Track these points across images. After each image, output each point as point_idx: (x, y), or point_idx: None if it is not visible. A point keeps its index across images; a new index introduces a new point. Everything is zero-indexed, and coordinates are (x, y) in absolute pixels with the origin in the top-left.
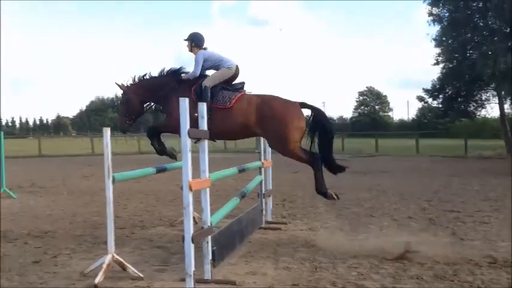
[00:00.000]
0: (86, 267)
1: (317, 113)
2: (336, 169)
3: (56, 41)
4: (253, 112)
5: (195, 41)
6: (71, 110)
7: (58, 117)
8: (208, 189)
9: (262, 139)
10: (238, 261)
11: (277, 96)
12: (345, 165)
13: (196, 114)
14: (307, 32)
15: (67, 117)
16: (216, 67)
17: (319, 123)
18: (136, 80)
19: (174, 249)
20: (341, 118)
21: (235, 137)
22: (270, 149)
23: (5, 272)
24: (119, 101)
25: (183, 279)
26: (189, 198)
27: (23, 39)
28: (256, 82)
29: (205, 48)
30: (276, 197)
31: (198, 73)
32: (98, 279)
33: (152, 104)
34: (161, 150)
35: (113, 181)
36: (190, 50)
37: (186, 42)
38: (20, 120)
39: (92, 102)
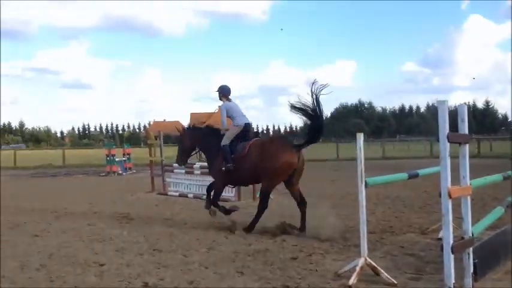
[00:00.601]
0: (339, 268)
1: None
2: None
3: None
4: (259, 154)
5: (223, 92)
6: None
7: (306, 124)
8: (469, 197)
9: None
10: (503, 277)
11: (274, 139)
12: None
13: (223, 168)
14: None
15: None
16: (232, 119)
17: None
18: (191, 127)
19: (427, 258)
20: None
21: (256, 179)
22: None
23: (267, 265)
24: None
25: None
26: (448, 205)
27: None
28: None
29: (229, 99)
30: None
31: (223, 122)
32: (352, 280)
33: (199, 150)
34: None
35: (366, 185)
36: (220, 99)
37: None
38: (273, 128)
39: (336, 108)
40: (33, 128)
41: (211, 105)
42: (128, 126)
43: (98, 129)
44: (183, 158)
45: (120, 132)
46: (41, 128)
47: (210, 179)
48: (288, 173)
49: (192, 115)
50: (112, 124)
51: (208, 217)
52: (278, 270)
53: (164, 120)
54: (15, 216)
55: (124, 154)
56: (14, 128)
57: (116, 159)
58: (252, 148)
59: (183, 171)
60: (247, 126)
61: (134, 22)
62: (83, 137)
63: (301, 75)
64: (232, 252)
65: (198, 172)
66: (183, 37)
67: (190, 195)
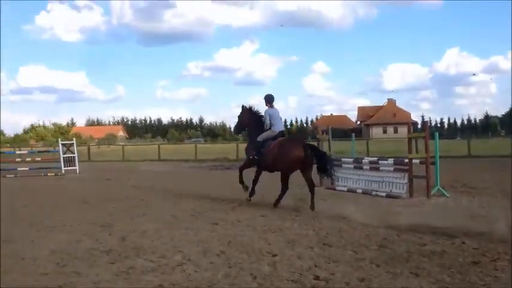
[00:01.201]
0: None
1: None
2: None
3: None
4: (278, 149)
5: (267, 100)
6: (499, 109)
7: (486, 116)
8: None
9: None
10: None
11: (286, 139)
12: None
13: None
14: None
15: (495, 117)
16: (271, 124)
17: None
18: (248, 108)
19: None
20: None
21: (275, 167)
22: None
23: (445, 269)
24: None
25: None
26: None
27: None
28: None
29: (272, 106)
30: None
31: (267, 124)
32: None
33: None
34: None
35: None
36: (266, 105)
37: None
38: (449, 121)
39: None
40: (210, 123)
41: (379, 98)
42: (296, 121)
43: None
44: (237, 130)
45: (288, 126)
46: (217, 123)
47: (378, 174)
48: (298, 164)
49: (360, 109)
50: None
51: (377, 214)
52: (457, 274)
53: (331, 114)
54: (198, 203)
55: None
56: (194, 124)
57: None
58: (275, 145)
59: (352, 166)
60: (281, 133)
61: (301, 18)
62: None
63: (479, 63)
64: (404, 252)
65: (367, 167)
66: (349, 29)
67: (359, 191)
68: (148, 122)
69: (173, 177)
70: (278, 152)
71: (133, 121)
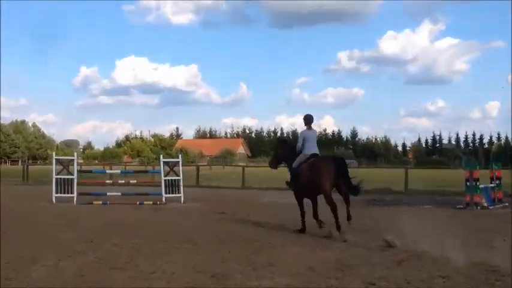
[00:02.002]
0: None
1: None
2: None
3: None
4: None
5: (305, 121)
6: None
7: None
8: None
9: None
10: None
11: (317, 158)
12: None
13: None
14: None
15: None
16: (303, 147)
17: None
18: (283, 141)
19: None
20: None
21: (312, 190)
22: None
23: None
24: None
25: None
26: None
27: None
28: None
29: (310, 128)
30: None
31: (298, 147)
32: None
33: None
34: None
35: None
36: (304, 126)
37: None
38: None
39: None
40: (367, 138)
41: None
42: (498, 138)
43: (454, 142)
44: (273, 164)
45: (486, 146)
46: (378, 139)
47: None
48: (330, 178)
49: None
50: (474, 135)
51: None
52: None
53: None
54: (345, 251)
55: (492, 178)
56: (344, 139)
57: (480, 186)
58: (304, 167)
59: None
60: (313, 155)
61: None
62: (432, 152)
63: None
64: None
65: None
66: None
67: None
68: (279, 133)
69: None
70: (309, 173)
71: (259, 133)
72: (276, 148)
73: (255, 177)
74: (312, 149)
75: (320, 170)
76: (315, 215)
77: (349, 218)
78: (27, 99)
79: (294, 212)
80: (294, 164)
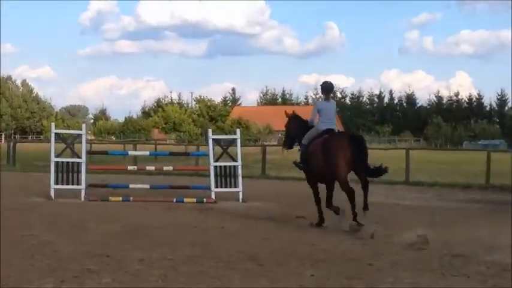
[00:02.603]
0: None
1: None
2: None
3: None
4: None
5: (322, 89)
6: None
7: None
8: None
9: None
10: None
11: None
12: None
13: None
14: None
15: None
16: (319, 120)
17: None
18: (293, 116)
19: None
20: None
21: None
22: None
23: None
24: None
25: None
26: None
27: None
28: None
29: (328, 99)
30: None
31: (312, 120)
32: None
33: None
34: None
35: None
36: (322, 94)
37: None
38: None
39: None
40: None
41: None
42: None
43: None
44: (287, 144)
45: None
46: None
47: None
48: (347, 161)
49: None
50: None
51: None
52: None
53: None
54: None
55: None
56: (488, 108)
57: None
58: (317, 145)
59: None
60: (328, 131)
61: None
62: None
63: None
64: None
65: None
66: None
67: None
68: (386, 98)
69: (442, 219)
70: (321, 153)
71: (356, 98)
72: (288, 125)
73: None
74: (328, 123)
75: (333, 150)
76: (329, 203)
77: (365, 207)
78: (13, 45)
79: (413, 215)
80: (304, 141)
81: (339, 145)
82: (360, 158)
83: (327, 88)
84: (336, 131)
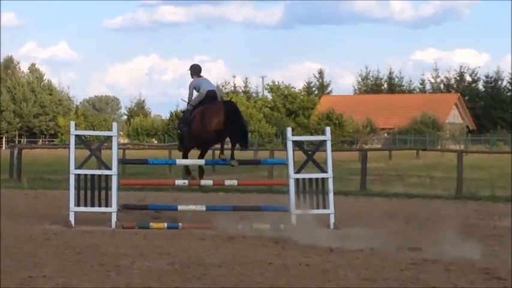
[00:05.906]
0: None
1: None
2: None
3: None
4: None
5: (192, 71)
6: None
7: None
8: None
9: None
10: None
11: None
12: None
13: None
14: None
15: None
16: (198, 90)
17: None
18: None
19: None
20: None
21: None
22: None
23: None
24: None
25: None
26: None
27: None
28: None
29: (200, 76)
30: None
31: (189, 99)
32: None
33: None
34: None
35: None
36: (191, 77)
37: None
38: None
39: None
40: None
41: None
42: None
43: None
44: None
45: None
46: None
47: None
48: (216, 134)
49: None
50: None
51: None
52: None
53: None
54: None
55: None
56: None
57: None
58: (198, 112)
59: None
60: (210, 92)
61: None
62: None
63: None
64: None
65: None
66: None
67: None
68: None
69: None
70: (200, 119)
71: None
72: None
73: (483, 173)
74: (209, 86)
75: (208, 116)
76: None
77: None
78: (18, 15)
79: None
80: (189, 106)
81: (214, 110)
82: (234, 123)
83: (196, 69)
84: (219, 94)
